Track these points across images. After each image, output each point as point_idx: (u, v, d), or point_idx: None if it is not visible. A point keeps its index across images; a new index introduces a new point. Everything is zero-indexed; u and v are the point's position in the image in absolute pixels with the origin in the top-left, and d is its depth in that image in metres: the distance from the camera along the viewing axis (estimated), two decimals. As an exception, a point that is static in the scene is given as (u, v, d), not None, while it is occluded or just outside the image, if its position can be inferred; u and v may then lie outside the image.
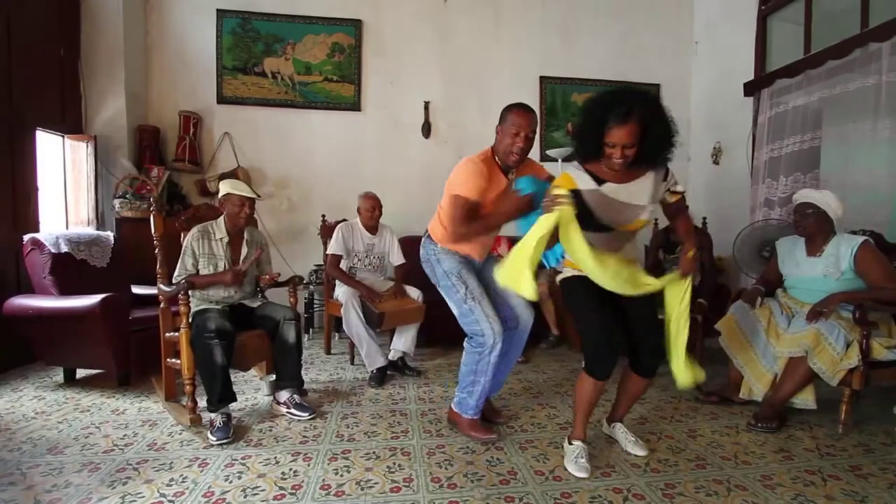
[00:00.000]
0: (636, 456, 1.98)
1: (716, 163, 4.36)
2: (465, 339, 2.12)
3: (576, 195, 1.75)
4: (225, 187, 2.44)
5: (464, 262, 2.14)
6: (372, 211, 3.20)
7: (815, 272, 2.36)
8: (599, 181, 1.76)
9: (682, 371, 1.84)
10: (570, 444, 1.95)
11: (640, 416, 2.44)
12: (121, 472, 1.83)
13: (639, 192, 1.76)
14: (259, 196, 2.56)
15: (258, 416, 2.38)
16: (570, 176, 1.80)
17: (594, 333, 1.80)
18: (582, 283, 1.83)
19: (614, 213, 1.77)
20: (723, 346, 2.55)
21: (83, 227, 3.58)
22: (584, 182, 1.77)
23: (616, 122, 1.61)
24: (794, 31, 3.58)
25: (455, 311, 2.11)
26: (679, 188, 1.86)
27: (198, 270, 2.38)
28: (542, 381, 2.97)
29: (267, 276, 2.53)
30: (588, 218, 1.76)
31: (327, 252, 3.23)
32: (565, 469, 1.89)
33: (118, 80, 3.78)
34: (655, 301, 1.88)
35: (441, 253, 2.15)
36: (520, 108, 2.00)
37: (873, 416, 2.42)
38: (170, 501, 1.66)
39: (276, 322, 2.43)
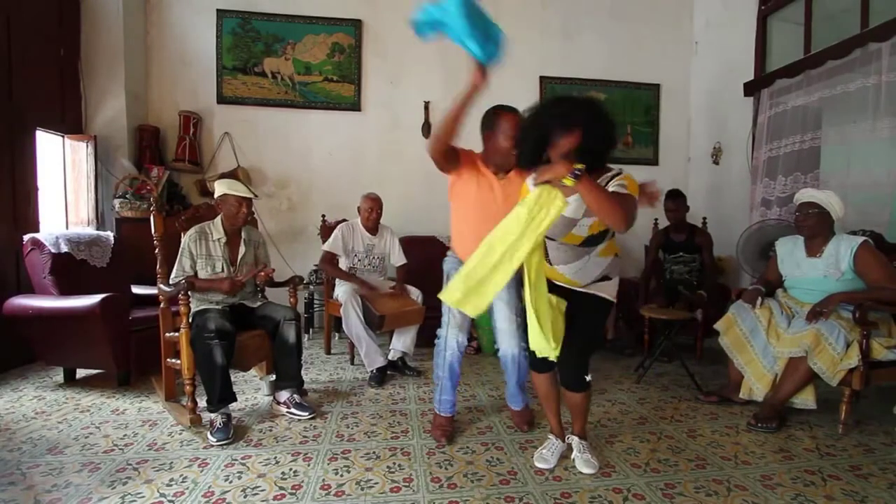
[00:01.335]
0: (584, 473, 1.86)
1: (716, 163, 4.36)
2: None
3: None
4: (221, 188, 2.44)
5: (459, 266, 2.19)
6: (370, 212, 3.20)
7: (815, 273, 2.36)
8: None
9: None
10: (548, 436, 2.04)
11: (640, 416, 2.44)
12: (121, 472, 1.83)
13: (572, 207, 1.66)
14: (256, 195, 2.56)
15: (258, 416, 2.38)
16: (527, 186, 1.79)
17: None
18: None
19: (551, 226, 1.69)
20: (723, 346, 2.56)
21: (83, 227, 3.57)
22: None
23: (558, 128, 1.59)
24: (794, 31, 3.58)
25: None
26: (617, 187, 1.61)
27: (195, 272, 2.38)
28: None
29: (262, 272, 2.49)
30: None
31: (322, 248, 3.22)
32: (565, 469, 1.89)
33: (118, 80, 3.78)
34: (591, 323, 1.83)
35: (447, 258, 2.28)
36: (509, 112, 2.01)
37: (873, 416, 2.42)
38: (170, 501, 1.66)
39: (277, 322, 2.43)
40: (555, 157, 1.61)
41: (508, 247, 1.54)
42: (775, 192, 3.53)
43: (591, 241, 1.72)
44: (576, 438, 1.96)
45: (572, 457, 1.94)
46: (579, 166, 1.48)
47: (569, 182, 1.48)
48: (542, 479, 1.83)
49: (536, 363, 1.89)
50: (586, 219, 1.69)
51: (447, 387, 2.18)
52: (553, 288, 1.76)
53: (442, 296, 1.61)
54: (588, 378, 1.84)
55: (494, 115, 2.03)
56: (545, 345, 1.65)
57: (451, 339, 2.15)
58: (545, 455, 1.93)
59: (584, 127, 1.58)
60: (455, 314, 2.13)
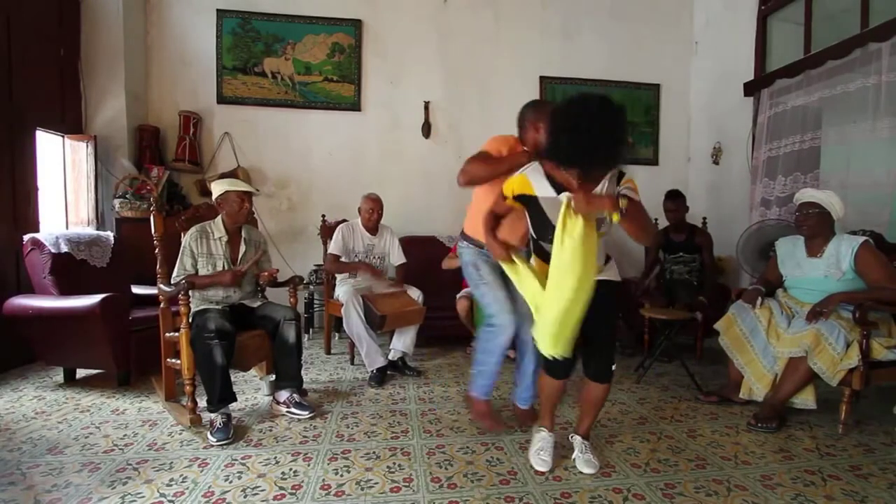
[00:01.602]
0: (584, 474, 1.86)
1: (716, 163, 4.36)
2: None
3: (531, 201, 1.74)
4: (222, 186, 2.44)
5: (480, 253, 2.17)
6: (371, 213, 3.20)
7: (816, 273, 2.36)
8: (559, 189, 1.68)
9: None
10: (538, 431, 1.99)
11: (640, 416, 2.44)
12: (121, 472, 1.83)
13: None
14: (257, 191, 2.58)
15: (258, 416, 2.38)
16: (528, 180, 1.75)
17: None
18: None
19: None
20: (723, 345, 2.55)
21: (83, 227, 3.57)
22: (543, 188, 1.72)
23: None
24: (794, 31, 3.58)
25: (476, 297, 2.24)
26: (627, 191, 1.61)
27: (197, 270, 2.39)
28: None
29: (266, 273, 2.52)
30: (544, 226, 1.73)
31: (328, 251, 3.24)
32: (565, 469, 1.89)
33: (118, 80, 3.78)
34: (611, 308, 1.84)
35: (463, 248, 2.24)
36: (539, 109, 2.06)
37: (873, 416, 2.42)
38: (170, 501, 1.66)
39: (277, 322, 2.43)
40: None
41: (577, 281, 1.57)
42: (775, 191, 3.53)
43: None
44: (578, 438, 1.95)
45: (573, 456, 1.93)
46: (624, 203, 1.49)
47: (616, 218, 1.52)
48: (542, 479, 1.83)
49: (555, 369, 1.85)
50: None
51: (494, 372, 2.15)
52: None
53: (542, 349, 1.73)
54: (613, 367, 1.84)
55: (535, 110, 2.04)
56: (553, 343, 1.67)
57: (509, 324, 2.05)
58: (544, 458, 1.90)
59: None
60: (504, 300, 2.06)
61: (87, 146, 3.58)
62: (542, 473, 1.86)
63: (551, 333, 1.66)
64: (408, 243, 3.56)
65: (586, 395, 1.91)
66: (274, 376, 2.53)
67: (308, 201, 4.30)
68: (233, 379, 2.32)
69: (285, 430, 2.23)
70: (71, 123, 3.63)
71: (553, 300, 1.63)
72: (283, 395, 2.41)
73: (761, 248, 3.05)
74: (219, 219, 2.48)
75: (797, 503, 1.68)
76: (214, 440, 2.07)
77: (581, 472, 1.86)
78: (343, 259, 3.18)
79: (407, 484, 1.77)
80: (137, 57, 3.97)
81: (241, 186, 2.44)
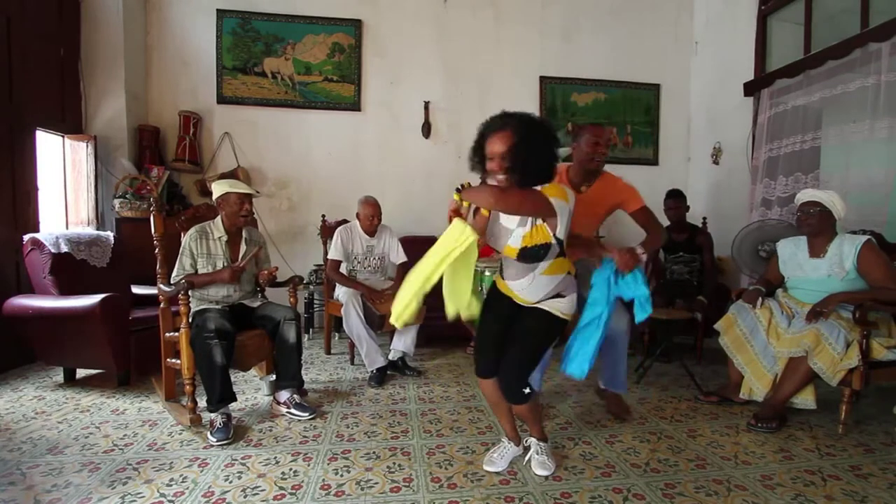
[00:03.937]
0: (537, 475, 1.84)
1: (716, 163, 4.36)
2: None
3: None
4: (222, 187, 2.44)
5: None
6: (371, 219, 3.18)
7: (818, 273, 2.35)
8: None
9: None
10: (500, 440, 2.02)
11: (640, 416, 2.44)
12: (121, 472, 1.83)
13: (510, 217, 1.69)
14: (257, 192, 2.58)
15: (258, 416, 2.38)
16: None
17: (481, 344, 1.88)
18: (487, 302, 1.90)
19: (493, 238, 1.72)
20: (723, 345, 2.55)
21: (83, 227, 3.57)
22: None
23: (490, 132, 1.63)
24: (794, 31, 3.58)
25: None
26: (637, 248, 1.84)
27: (196, 270, 2.39)
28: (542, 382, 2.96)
29: (265, 272, 2.52)
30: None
31: (327, 257, 3.23)
32: (565, 469, 1.89)
33: (118, 80, 3.78)
34: (534, 335, 1.78)
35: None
36: (590, 125, 2.37)
37: (873, 416, 2.42)
38: (170, 501, 1.66)
39: (277, 322, 2.43)
40: (493, 164, 1.64)
41: (426, 273, 1.80)
42: (776, 192, 3.53)
43: (528, 256, 1.65)
44: (533, 440, 1.94)
45: (527, 458, 1.92)
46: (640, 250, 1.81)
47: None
48: (541, 479, 1.83)
49: (480, 369, 1.87)
50: (519, 228, 1.66)
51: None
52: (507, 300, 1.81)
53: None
54: (527, 391, 1.75)
55: (580, 129, 2.30)
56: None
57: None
58: (494, 458, 1.90)
59: (516, 134, 1.65)
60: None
61: (87, 146, 3.58)
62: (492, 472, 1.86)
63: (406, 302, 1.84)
64: (408, 243, 3.55)
65: (513, 409, 1.93)
66: (274, 376, 2.53)
67: (308, 201, 4.30)
68: (233, 379, 2.32)
69: (285, 430, 2.23)
70: (71, 123, 3.63)
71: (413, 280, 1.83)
72: (284, 395, 2.41)
73: (758, 249, 3.05)
74: (218, 219, 2.48)
75: (797, 503, 1.68)
76: (214, 440, 2.07)
77: (536, 474, 1.84)
78: (344, 263, 3.18)
79: (407, 484, 1.78)
80: (137, 57, 3.97)
81: (242, 188, 2.44)
